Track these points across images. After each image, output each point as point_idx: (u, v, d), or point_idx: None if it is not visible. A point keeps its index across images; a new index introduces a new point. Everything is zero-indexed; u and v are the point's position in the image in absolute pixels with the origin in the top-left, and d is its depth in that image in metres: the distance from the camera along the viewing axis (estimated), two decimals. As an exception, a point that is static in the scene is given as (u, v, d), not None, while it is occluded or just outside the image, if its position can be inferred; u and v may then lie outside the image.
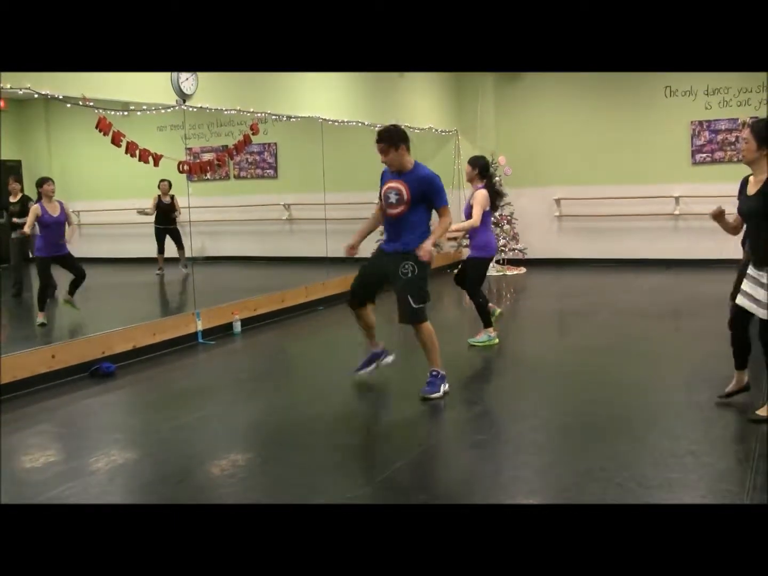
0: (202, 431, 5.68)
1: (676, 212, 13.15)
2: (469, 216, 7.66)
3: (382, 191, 6.10)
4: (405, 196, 5.94)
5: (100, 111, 7.51)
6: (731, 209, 5.36)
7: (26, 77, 6.70)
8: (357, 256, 6.36)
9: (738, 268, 5.70)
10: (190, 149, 10.58)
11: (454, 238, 12.13)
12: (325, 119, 10.73)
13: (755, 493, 4.08)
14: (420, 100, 13.33)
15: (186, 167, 8.54)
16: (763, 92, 12.45)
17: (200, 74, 8.34)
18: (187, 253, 11.69)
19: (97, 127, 7.47)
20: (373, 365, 6.57)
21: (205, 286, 9.34)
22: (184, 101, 8.29)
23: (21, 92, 6.76)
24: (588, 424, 5.46)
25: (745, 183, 5.24)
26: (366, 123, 11.51)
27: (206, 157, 12.11)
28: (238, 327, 9.03)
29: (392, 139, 5.94)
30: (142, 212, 13.09)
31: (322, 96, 10.69)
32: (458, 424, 5.69)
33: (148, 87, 7.93)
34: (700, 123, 13.00)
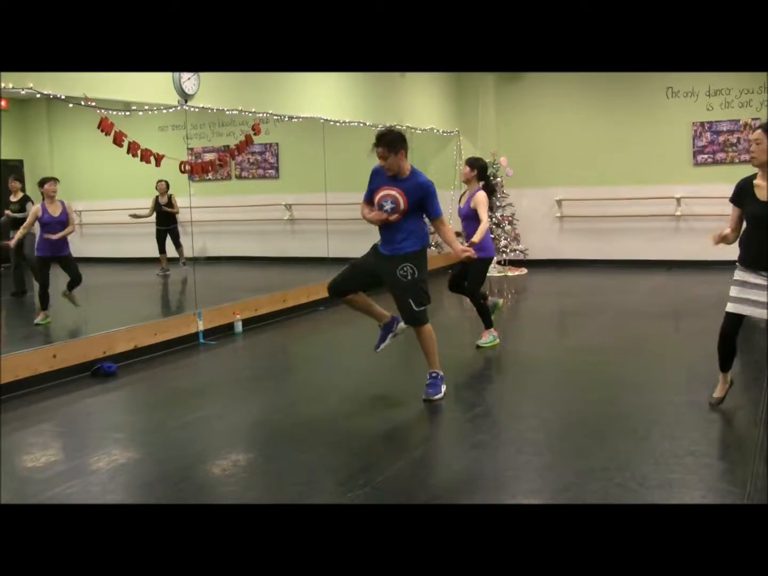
0: (203, 431, 5.69)
1: (678, 213, 13.15)
2: (469, 217, 7.62)
3: (377, 199, 5.97)
4: (401, 205, 5.86)
5: (102, 111, 7.51)
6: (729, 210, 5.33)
7: (28, 77, 6.71)
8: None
9: None
10: (191, 149, 10.59)
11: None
12: (326, 120, 10.74)
13: (756, 493, 4.08)
14: (421, 101, 13.34)
15: (188, 167, 8.55)
16: (764, 93, 12.45)
17: (202, 74, 8.35)
18: (189, 253, 11.70)
19: (98, 127, 7.48)
20: (390, 336, 6.31)
21: (206, 286, 9.35)
22: (186, 101, 8.30)
23: (23, 92, 6.77)
24: (589, 424, 5.46)
25: (746, 185, 5.15)
26: (368, 123, 11.52)
27: (208, 157, 12.12)
28: (239, 327, 9.03)
29: (392, 143, 5.84)
30: (134, 216, 13.12)
31: (324, 96, 10.70)
32: (459, 424, 5.69)
33: (149, 87, 7.94)
34: (702, 124, 13.01)
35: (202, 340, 8.55)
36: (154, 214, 13.24)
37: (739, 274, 5.20)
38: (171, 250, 13.24)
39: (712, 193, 12.02)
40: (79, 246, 9.25)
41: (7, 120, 14.43)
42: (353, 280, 6.14)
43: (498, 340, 7.88)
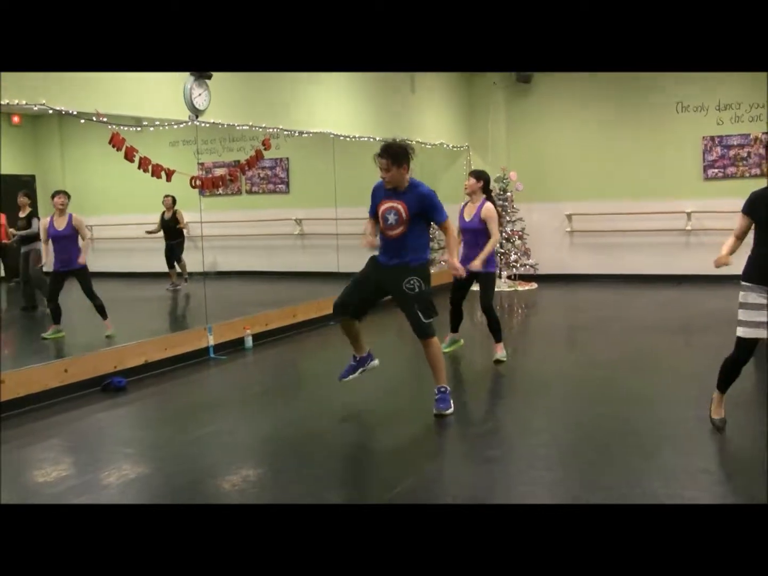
0: (213, 446, 5.68)
1: (688, 228, 13.12)
2: (478, 231, 7.57)
3: (380, 212, 5.98)
4: (404, 216, 5.87)
5: (114, 126, 7.55)
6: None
7: (41, 93, 6.75)
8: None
9: None
10: (202, 164, 10.62)
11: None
12: (336, 135, 10.78)
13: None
14: (431, 116, 13.37)
15: (198, 182, 8.58)
16: (774, 107, 12.45)
17: (213, 90, 8.38)
18: (199, 268, 11.75)
19: (110, 143, 7.51)
20: (359, 371, 6.41)
21: (216, 300, 9.36)
22: (197, 116, 8.34)
23: (36, 108, 6.81)
24: (599, 439, 5.44)
25: (760, 198, 5.05)
26: (377, 138, 11.53)
27: (218, 172, 12.14)
28: (249, 342, 9.04)
29: (397, 157, 5.86)
30: (148, 233, 13.18)
31: (334, 111, 10.74)
32: (469, 439, 5.67)
33: (160, 102, 7.99)
34: (712, 138, 13.00)
35: (212, 355, 8.56)
36: (162, 231, 13.28)
37: (750, 296, 5.03)
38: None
39: (723, 208, 11.99)
40: (90, 260, 9.23)
41: (19, 135, 14.60)
42: (358, 296, 6.12)
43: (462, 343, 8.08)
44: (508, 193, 13.48)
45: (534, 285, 13.50)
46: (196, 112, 8.30)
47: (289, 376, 8.21)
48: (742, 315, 5.06)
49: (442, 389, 6.10)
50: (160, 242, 13.28)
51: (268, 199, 14.80)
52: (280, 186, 14.75)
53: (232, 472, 5.09)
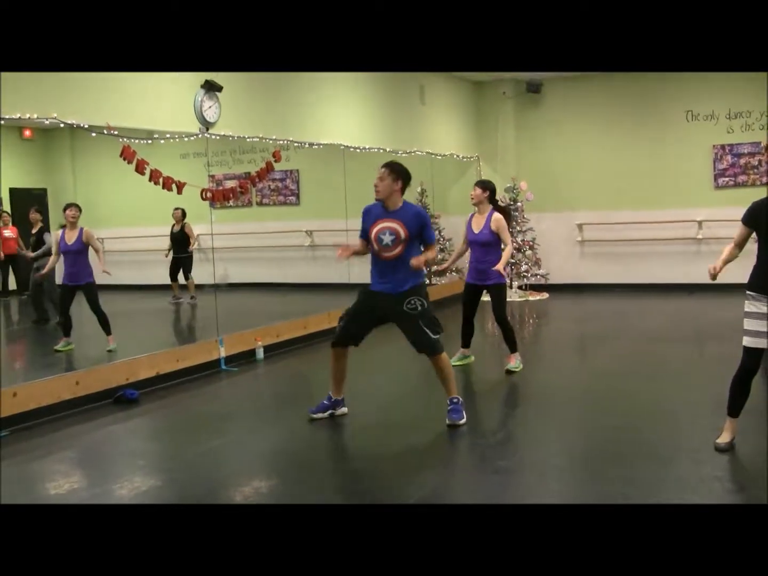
0: (225, 457, 5.69)
1: (699, 236, 13.09)
2: (489, 243, 7.55)
3: (374, 233, 5.97)
4: (402, 235, 5.87)
5: (125, 139, 7.59)
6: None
7: (52, 106, 6.79)
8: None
9: None
10: (212, 176, 10.67)
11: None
12: (347, 146, 10.80)
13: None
14: (441, 127, 13.39)
15: (209, 194, 8.60)
16: (785, 115, 12.42)
17: (223, 102, 8.41)
18: (210, 280, 11.80)
19: (121, 156, 7.54)
20: (329, 412, 6.37)
21: (227, 312, 9.37)
22: (207, 129, 8.37)
23: (47, 122, 6.85)
24: (612, 449, 5.42)
25: (760, 208, 5.06)
26: (388, 150, 11.57)
27: (229, 184, 12.19)
28: (260, 353, 9.05)
29: (396, 170, 5.91)
30: (167, 253, 13.19)
31: (344, 123, 10.76)
32: (481, 450, 5.65)
33: (171, 115, 8.02)
34: (723, 147, 12.97)
35: (223, 367, 8.57)
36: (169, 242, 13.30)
37: (755, 306, 5.02)
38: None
39: (734, 216, 11.72)
40: (101, 273, 9.25)
41: (31, 149, 14.68)
42: (356, 330, 6.16)
43: (472, 358, 8.05)
44: (519, 203, 13.47)
45: (545, 295, 13.47)
46: (207, 125, 8.33)
47: (301, 387, 8.21)
48: (747, 324, 5.08)
49: (455, 400, 6.10)
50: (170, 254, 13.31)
51: (279, 211, 14.83)
52: (290, 198, 14.78)
53: (244, 484, 5.09)
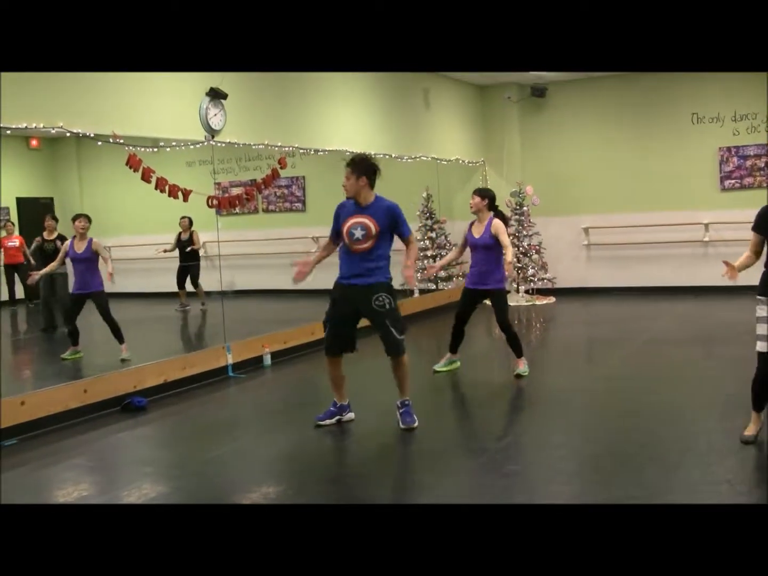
0: (233, 464, 5.69)
1: (706, 239, 13.07)
2: (488, 246, 7.59)
3: (345, 228, 6.04)
4: (373, 230, 5.92)
5: (130, 148, 7.61)
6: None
7: (58, 116, 6.82)
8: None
9: None
10: (218, 184, 10.66)
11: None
12: (352, 152, 10.79)
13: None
14: (446, 132, 13.40)
15: (215, 202, 8.62)
16: (790, 117, 12.40)
17: (228, 109, 8.44)
18: (216, 287, 11.84)
19: (127, 164, 7.57)
20: (336, 418, 6.39)
21: (234, 319, 9.38)
22: (213, 137, 8.39)
23: (53, 131, 6.88)
24: (620, 452, 5.41)
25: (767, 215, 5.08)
26: (393, 155, 11.58)
27: (235, 191, 12.20)
28: (268, 360, 9.06)
29: (357, 167, 5.96)
30: (165, 251, 13.22)
31: (349, 129, 10.78)
32: (489, 454, 5.65)
33: (177, 123, 8.04)
34: (728, 149, 12.95)
35: (231, 374, 8.58)
36: (177, 251, 13.31)
37: (764, 310, 5.05)
38: (191, 285, 13.30)
39: (741, 218, 11.85)
40: (108, 281, 9.26)
41: (38, 159, 14.75)
42: (342, 330, 6.23)
43: (458, 365, 8.06)
44: (525, 208, 13.46)
45: (552, 299, 13.45)
46: (212, 132, 8.35)
47: (308, 393, 8.21)
48: (760, 329, 5.09)
49: (407, 402, 6.19)
50: (177, 262, 13.32)
51: (285, 218, 14.84)
52: (296, 204, 14.80)
53: (253, 490, 5.09)
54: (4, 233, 13.14)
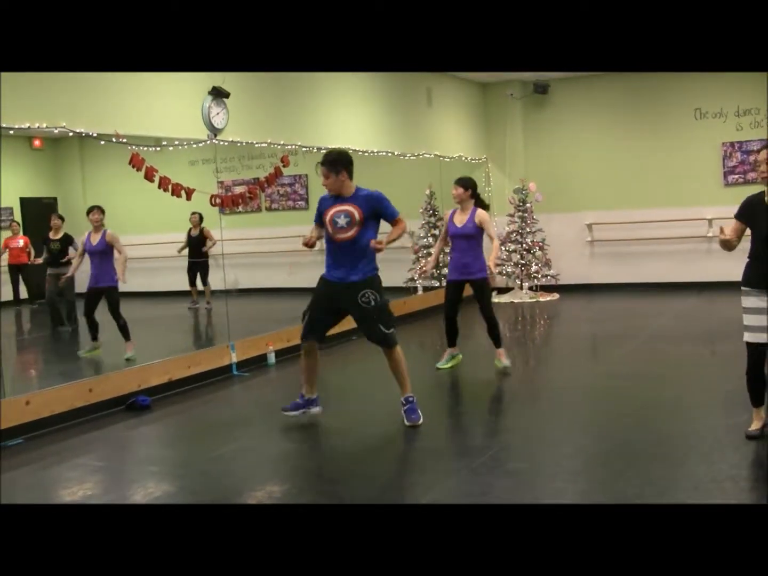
0: (237, 463, 5.70)
1: (709, 234, 13.04)
2: (471, 236, 7.66)
3: (328, 217, 6.02)
4: (357, 217, 5.93)
5: (133, 147, 7.62)
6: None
7: (61, 116, 6.83)
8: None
9: None
10: (221, 182, 10.67)
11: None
12: (354, 150, 10.79)
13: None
14: (449, 129, 13.39)
15: (218, 200, 8.63)
16: (794, 112, 12.37)
17: (231, 108, 8.44)
18: (220, 285, 11.88)
19: (130, 163, 7.58)
20: (302, 410, 6.39)
21: (238, 317, 9.39)
22: (216, 135, 8.39)
23: (56, 131, 6.88)
24: (624, 450, 5.40)
25: (756, 203, 5.11)
26: (396, 153, 11.58)
27: (238, 190, 12.21)
28: (272, 358, 9.06)
29: (333, 163, 5.97)
30: (180, 250, 13.23)
31: (352, 127, 10.77)
32: (493, 452, 5.65)
33: (179, 122, 8.04)
34: (732, 144, 12.94)
35: (235, 372, 8.59)
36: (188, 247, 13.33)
37: (751, 301, 5.12)
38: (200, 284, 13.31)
39: (744, 214, 11.90)
40: (122, 281, 9.27)
41: (41, 159, 14.77)
42: (318, 320, 6.22)
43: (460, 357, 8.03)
44: (528, 204, 13.46)
45: (555, 296, 13.45)
46: (215, 131, 8.35)
47: (312, 391, 8.20)
48: (746, 320, 5.17)
49: (410, 399, 6.15)
50: (183, 261, 13.33)
51: (288, 216, 14.83)
52: (299, 202, 14.80)
53: (257, 489, 5.10)
54: (9, 233, 13.16)
